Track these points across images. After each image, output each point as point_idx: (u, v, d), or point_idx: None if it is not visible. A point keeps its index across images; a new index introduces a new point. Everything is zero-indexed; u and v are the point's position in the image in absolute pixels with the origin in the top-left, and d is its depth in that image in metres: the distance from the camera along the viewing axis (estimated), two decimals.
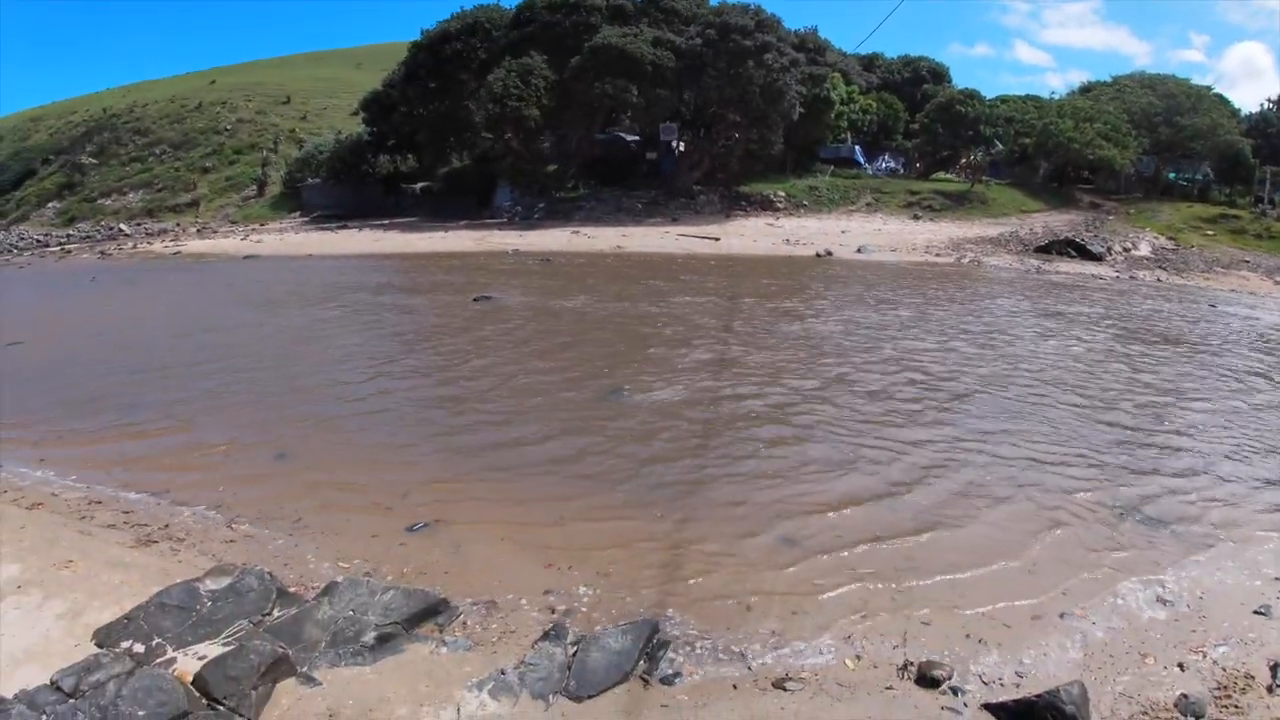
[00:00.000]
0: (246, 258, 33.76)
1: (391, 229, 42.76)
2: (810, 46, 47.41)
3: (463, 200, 49.06)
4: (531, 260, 29.37)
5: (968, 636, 5.21)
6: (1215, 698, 4.66)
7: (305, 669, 4.65)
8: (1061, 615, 5.50)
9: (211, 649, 4.76)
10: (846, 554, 6.40)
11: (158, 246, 41.75)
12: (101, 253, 40.95)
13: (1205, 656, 5.06)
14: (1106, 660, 5.01)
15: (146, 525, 7.06)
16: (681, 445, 9.02)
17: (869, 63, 63.48)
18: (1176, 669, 4.93)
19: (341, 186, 53.24)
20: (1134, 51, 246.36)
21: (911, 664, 4.86)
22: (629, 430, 9.55)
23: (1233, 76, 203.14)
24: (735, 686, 4.70)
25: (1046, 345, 15.09)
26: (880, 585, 5.91)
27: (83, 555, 6.23)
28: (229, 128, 67.20)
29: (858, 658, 4.98)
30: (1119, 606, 5.67)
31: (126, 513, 7.40)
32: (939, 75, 66.03)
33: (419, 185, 53.28)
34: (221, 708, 4.23)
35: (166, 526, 7.03)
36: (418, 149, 53.13)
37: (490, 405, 10.74)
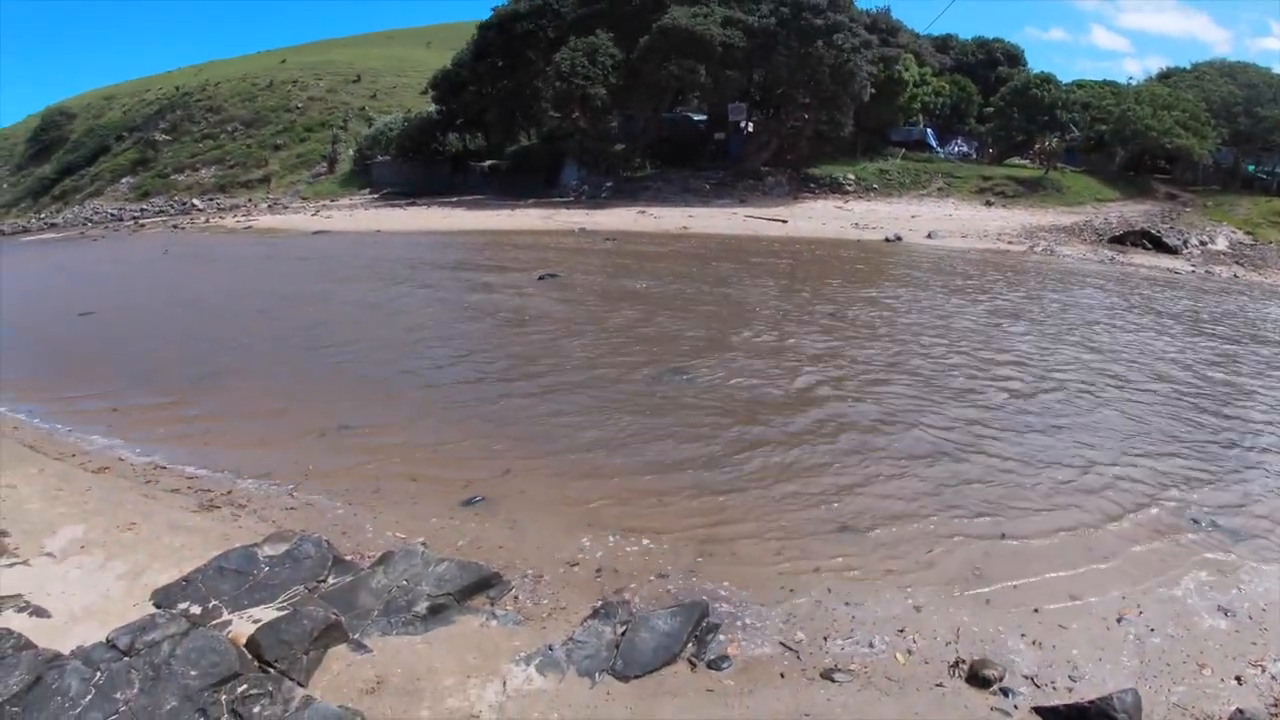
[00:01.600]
0: (316, 233, 34.31)
1: (459, 206, 43.11)
2: (882, 27, 46.53)
3: (530, 179, 49.22)
4: (598, 239, 29.41)
5: (1023, 636, 5.08)
6: (1271, 714, 4.48)
7: (357, 636, 4.72)
8: (1120, 619, 5.34)
9: (267, 613, 4.84)
10: (906, 546, 6.29)
11: (229, 221, 42.65)
12: (174, 226, 42.04)
13: (1264, 671, 4.87)
14: (1163, 668, 4.84)
15: (209, 491, 7.23)
16: (745, 430, 8.90)
17: (942, 44, 62.19)
18: (1234, 682, 4.76)
19: (410, 164, 53.84)
20: (1213, 39, 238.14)
21: (963, 661, 4.76)
22: (693, 413, 9.48)
23: None
24: (783, 675, 4.64)
25: (1128, 339, 14.62)
26: (938, 580, 5.79)
27: (145, 518, 6.39)
28: (300, 106, 68.33)
29: (909, 652, 4.88)
30: (1180, 614, 5.47)
31: (190, 478, 7.59)
32: (1014, 58, 64.45)
33: (487, 163, 53.52)
34: (273, 670, 4.31)
35: (229, 492, 7.19)
36: (486, 127, 53.40)
37: (553, 384, 10.75)
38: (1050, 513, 6.99)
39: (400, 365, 11.81)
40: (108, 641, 4.31)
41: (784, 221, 34.78)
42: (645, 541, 6.24)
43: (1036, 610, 5.39)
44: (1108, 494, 7.45)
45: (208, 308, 17.13)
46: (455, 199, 46.58)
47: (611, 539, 6.27)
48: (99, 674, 4.06)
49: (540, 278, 19.57)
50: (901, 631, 5.09)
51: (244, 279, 21.63)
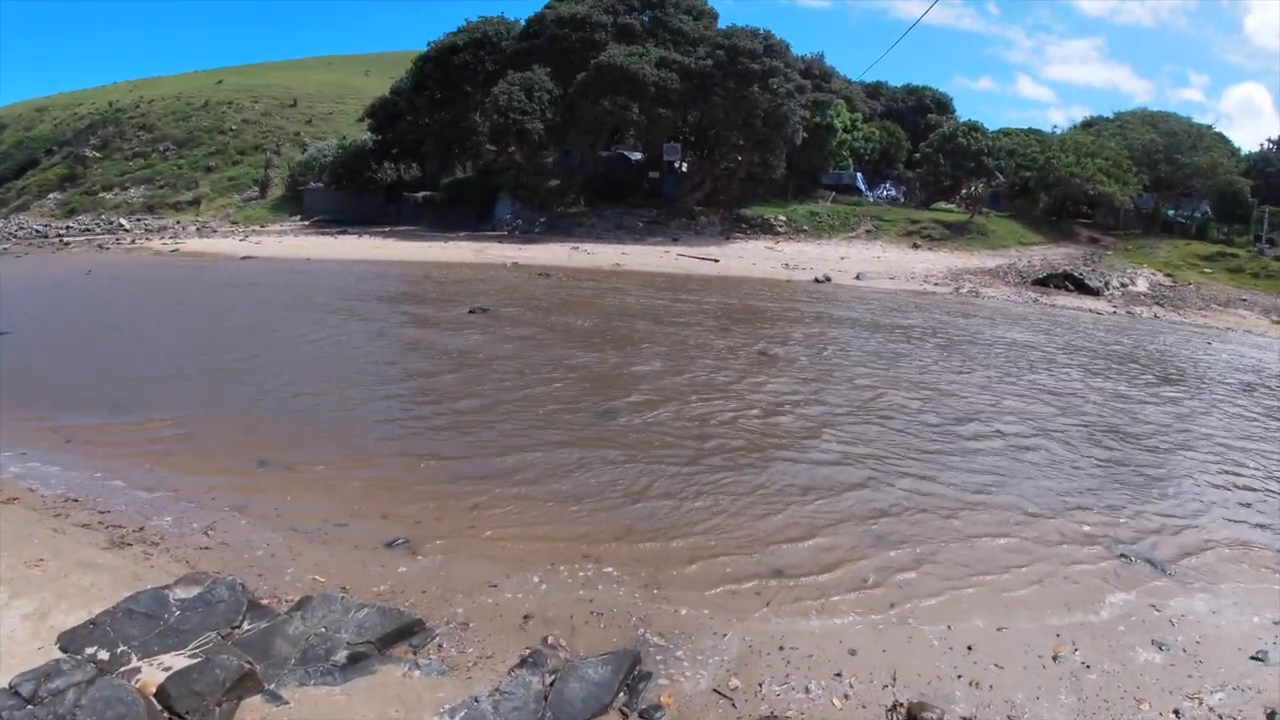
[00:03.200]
0: (244, 259, 33.66)
1: (391, 236, 42.81)
2: (816, 73, 47.65)
3: (464, 211, 49.21)
4: (529, 274, 29.31)
5: (959, 676, 5.06)
6: None
7: (273, 686, 4.49)
8: (1055, 657, 5.36)
9: (178, 660, 4.59)
10: (840, 588, 6.25)
11: (155, 244, 41.66)
12: (99, 246, 40.91)
13: (1201, 703, 4.93)
14: (1101, 705, 4.86)
15: (121, 527, 6.89)
16: (675, 469, 8.81)
17: (874, 90, 63.99)
18: (1172, 715, 4.81)
19: (343, 192, 53.35)
20: (1134, 89, 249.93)
21: (901, 705, 4.70)
22: (622, 451, 9.35)
23: (1232, 116, 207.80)
24: None
25: (1046, 378, 14.97)
26: (873, 622, 5.75)
27: (54, 554, 6.07)
28: (234, 128, 67.34)
29: (846, 696, 4.81)
30: (1114, 649, 5.53)
31: (103, 513, 7.24)
32: (943, 105, 66.58)
33: (421, 194, 53.35)
34: None
35: (141, 529, 6.86)
36: (422, 158, 53.33)
37: (482, 422, 10.53)
38: (985, 551, 7.04)
39: (325, 400, 11.48)
40: (10, 688, 4.07)
41: (716, 261, 35.26)
42: (576, 585, 6.10)
43: (971, 649, 5.39)
44: (1041, 531, 7.57)
45: (130, 333, 16.59)
46: (388, 229, 46.29)
47: (541, 582, 6.11)
48: None
49: (471, 311, 19.35)
50: (838, 675, 5.02)
51: (168, 304, 21.01)
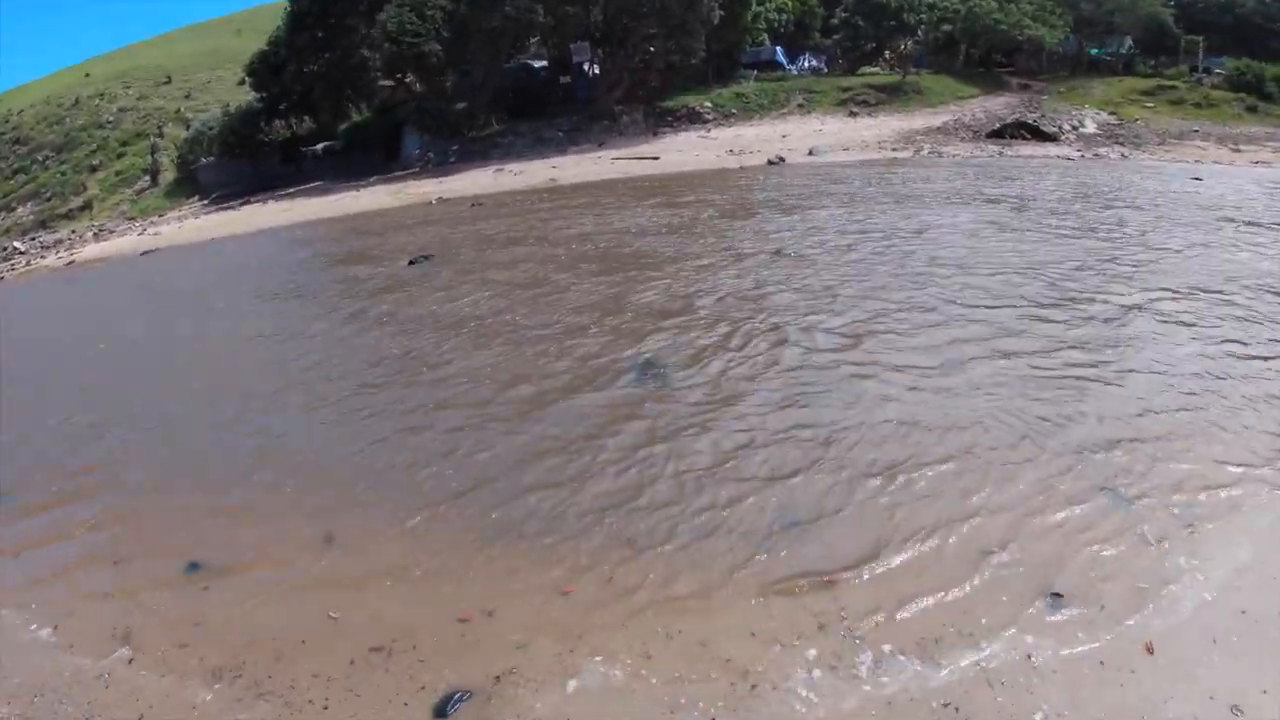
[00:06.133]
0: (144, 254, 30.41)
1: (298, 196, 39.81)
2: None
3: (369, 156, 46.29)
4: (460, 207, 26.64)
5: None
6: None
7: None
8: None
9: None
10: None
11: (51, 260, 38.24)
12: None
13: None
14: None
15: None
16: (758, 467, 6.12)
17: None
18: None
19: (238, 161, 49.85)
20: None
21: None
22: (682, 437, 6.60)
23: None
24: None
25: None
26: None
27: None
28: (111, 119, 63.23)
29: None
30: None
31: None
32: None
33: (320, 146, 50.30)
34: None
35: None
36: (314, 108, 49.83)
37: (482, 432, 7.37)
38: None
39: (272, 442, 7.94)
40: None
41: (656, 158, 33.25)
42: None
43: None
44: None
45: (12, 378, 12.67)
46: (293, 190, 43.17)
47: None
48: None
49: (411, 263, 16.45)
50: None
51: (54, 329, 17.46)
